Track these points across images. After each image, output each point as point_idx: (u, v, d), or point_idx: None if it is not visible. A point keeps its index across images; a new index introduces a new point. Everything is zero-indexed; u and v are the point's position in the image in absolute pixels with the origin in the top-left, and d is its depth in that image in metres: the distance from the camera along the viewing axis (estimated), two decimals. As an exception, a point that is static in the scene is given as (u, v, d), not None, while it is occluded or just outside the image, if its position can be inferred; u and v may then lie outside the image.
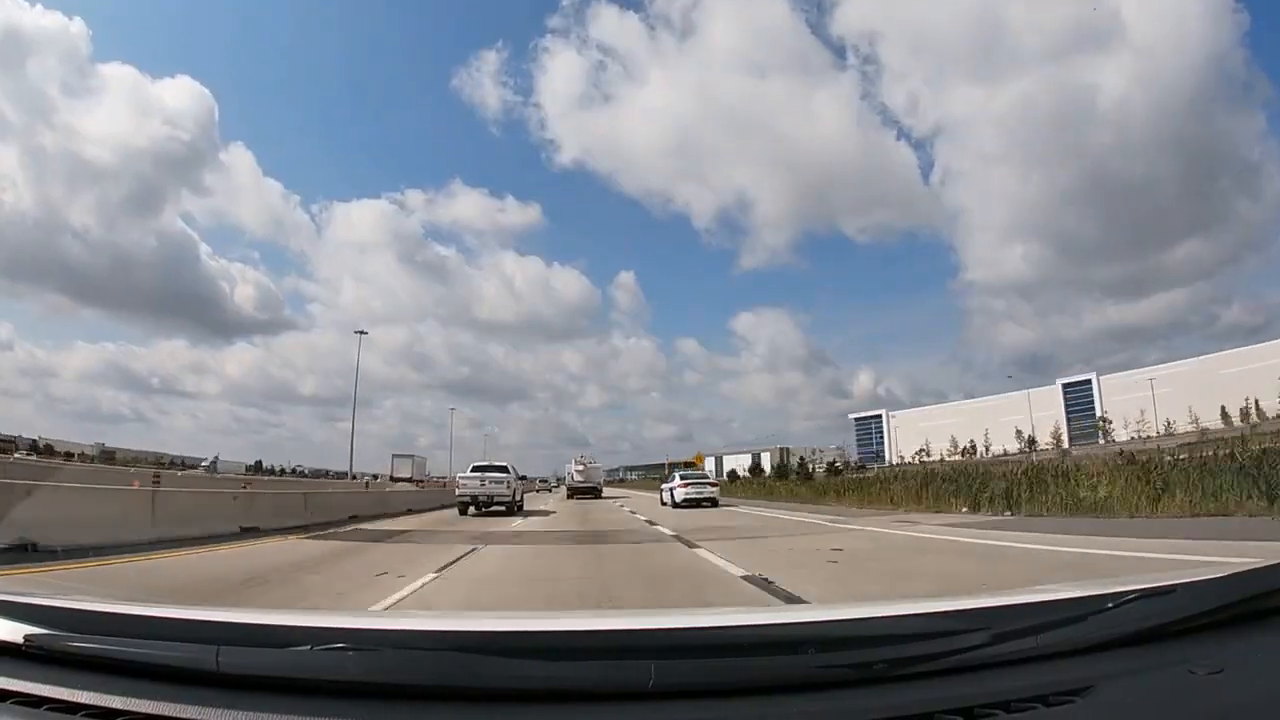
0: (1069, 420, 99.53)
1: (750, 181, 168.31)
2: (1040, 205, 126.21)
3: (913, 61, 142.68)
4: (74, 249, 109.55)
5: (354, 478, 44.99)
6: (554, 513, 19.58)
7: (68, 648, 1.09)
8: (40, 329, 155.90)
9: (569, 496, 33.48)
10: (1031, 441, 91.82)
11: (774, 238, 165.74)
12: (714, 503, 21.38)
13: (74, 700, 1.00)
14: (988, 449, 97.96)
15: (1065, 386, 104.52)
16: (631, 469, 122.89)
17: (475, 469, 19.02)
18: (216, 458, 75.95)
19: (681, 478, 22.77)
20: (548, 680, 1.00)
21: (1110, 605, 1.13)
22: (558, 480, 61.41)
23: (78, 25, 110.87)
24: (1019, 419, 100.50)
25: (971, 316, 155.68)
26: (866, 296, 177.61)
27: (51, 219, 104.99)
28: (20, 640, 1.10)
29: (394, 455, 56.93)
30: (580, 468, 36.18)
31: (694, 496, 21.16)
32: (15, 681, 1.04)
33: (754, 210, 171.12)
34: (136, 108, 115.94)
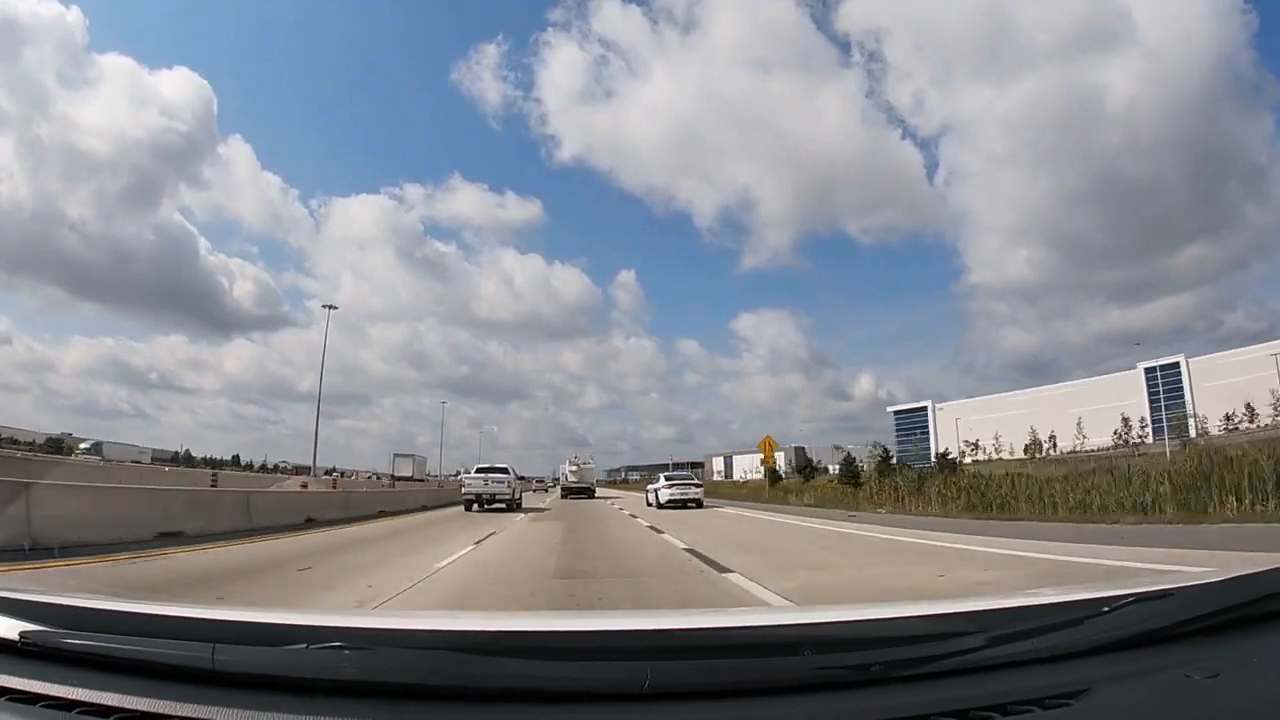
0: (1151, 410, 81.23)
1: (753, 180, 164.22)
2: (1044, 208, 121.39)
3: (919, 59, 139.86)
4: (71, 241, 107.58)
5: (328, 474, 43.15)
6: (547, 509, 21.36)
7: (63, 645, 1.09)
8: (38, 322, 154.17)
9: (563, 496, 34.45)
10: (1127, 429, 73.63)
11: (777, 237, 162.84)
12: (699, 504, 21.40)
13: (69, 697, 0.99)
14: (1081, 443, 76.72)
15: (1148, 371, 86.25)
16: (634, 469, 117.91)
17: (479, 470, 21.42)
18: (99, 443, 64.68)
19: (666, 479, 23.05)
20: (544, 680, 1.00)
21: (1107, 609, 1.13)
22: (554, 480, 62.38)
23: (74, 14, 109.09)
24: (1094, 409, 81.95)
25: (974, 320, 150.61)
26: (869, 298, 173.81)
27: (48, 211, 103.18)
28: (15, 637, 1.10)
29: (395, 455, 59.23)
30: (574, 469, 37.60)
31: (678, 498, 21.24)
32: (10, 678, 1.04)
33: (757, 209, 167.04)
34: (134, 99, 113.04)
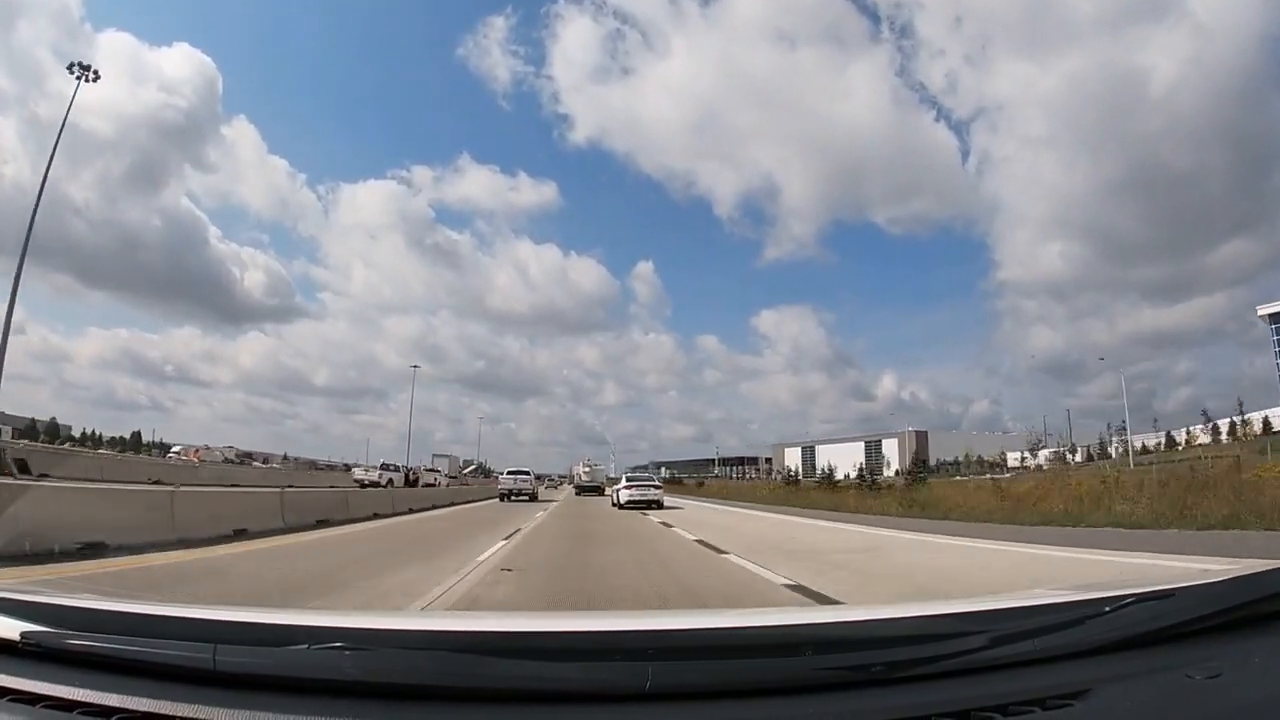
0: None
1: (776, 164, 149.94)
2: (1079, 198, 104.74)
3: (953, 35, 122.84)
4: (77, 227, 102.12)
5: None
6: (556, 503, 25.93)
7: (64, 645, 1.09)
8: (51, 312, 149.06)
9: (577, 493, 39.31)
10: None
11: (801, 227, 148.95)
12: (659, 505, 21.26)
13: (70, 698, 0.99)
14: None
15: None
16: (664, 464, 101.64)
17: (510, 473, 30.56)
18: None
19: (627, 479, 24.04)
20: (545, 681, 1.00)
21: (1108, 609, 1.13)
22: (562, 478, 67.39)
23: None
24: None
25: (1001, 318, 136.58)
26: (895, 293, 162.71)
27: (52, 193, 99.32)
28: (16, 637, 1.10)
29: (434, 455, 71.27)
30: (586, 469, 44.28)
31: (638, 499, 21.24)
32: (11, 679, 1.04)
33: (780, 196, 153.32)
34: (135, 75, 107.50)
